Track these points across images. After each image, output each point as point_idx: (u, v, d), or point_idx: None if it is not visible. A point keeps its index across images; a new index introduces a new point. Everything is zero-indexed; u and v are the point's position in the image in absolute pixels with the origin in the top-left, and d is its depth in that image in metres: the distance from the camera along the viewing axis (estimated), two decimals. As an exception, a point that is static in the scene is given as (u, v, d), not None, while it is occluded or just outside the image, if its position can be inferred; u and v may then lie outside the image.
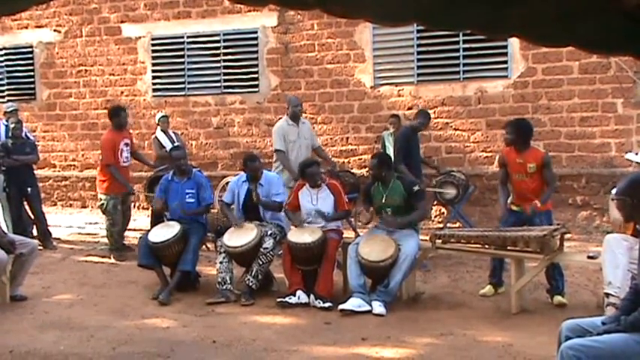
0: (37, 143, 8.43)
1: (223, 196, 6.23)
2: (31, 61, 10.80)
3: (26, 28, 10.78)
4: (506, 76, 8.57)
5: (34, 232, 7.78)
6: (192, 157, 8.71)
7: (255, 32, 9.59)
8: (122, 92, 10.34)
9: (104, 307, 5.33)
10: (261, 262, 5.39)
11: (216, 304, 5.27)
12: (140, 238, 5.96)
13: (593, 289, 5.44)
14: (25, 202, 7.78)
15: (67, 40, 10.57)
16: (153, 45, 10.12)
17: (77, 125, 10.66)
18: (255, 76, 9.65)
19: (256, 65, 9.62)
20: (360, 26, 9.01)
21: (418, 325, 4.71)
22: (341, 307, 4.95)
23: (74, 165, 10.71)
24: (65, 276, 6.38)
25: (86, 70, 10.52)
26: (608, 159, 8.20)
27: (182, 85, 10.07)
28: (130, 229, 7.58)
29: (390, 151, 7.41)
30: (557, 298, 5.08)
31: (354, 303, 4.95)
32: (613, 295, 4.14)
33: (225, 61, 9.77)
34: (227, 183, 6.92)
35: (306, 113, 7.56)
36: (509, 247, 4.96)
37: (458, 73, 8.74)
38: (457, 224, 7.79)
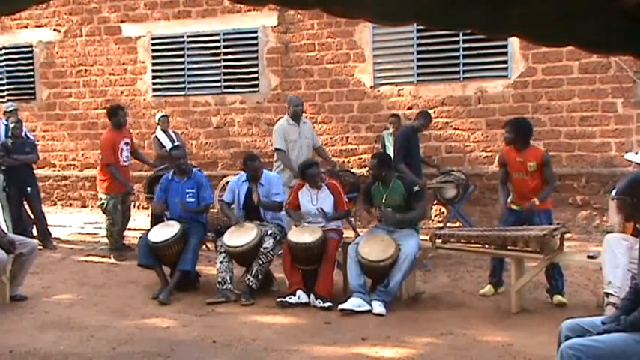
0: (37, 143, 8.43)
1: (223, 195, 6.24)
2: (30, 61, 10.80)
3: (26, 27, 10.78)
4: (506, 76, 8.57)
5: (34, 231, 7.78)
6: (192, 157, 8.72)
7: (255, 32, 9.59)
8: (122, 92, 10.34)
9: (104, 306, 5.33)
10: (261, 262, 5.40)
11: (216, 304, 5.27)
12: (140, 237, 5.96)
13: (592, 288, 5.44)
14: (25, 202, 7.78)
15: (66, 40, 10.57)
16: (153, 45, 10.12)
17: (77, 125, 10.66)
18: (255, 75, 9.65)
19: (256, 65, 9.62)
20: (360, 26, 9.01)
21: (418, 324, 4.71)
22: (341, 306, 4.95)
23: (74, 165, 10.71)
24: (65, 276, 6.38)
25: (86, 70, 10.52)
26: (608, 159, 8.20)
27: (182, 85, 10.07)
28: (129, 229, 7.58)
29: (390, 150, 7.41)
30: (557, 298, 5.09)
31: (354, 303, 4.95)
32: (613, 295, 4.14)
33: (225, 60, 9.77)
34: (227, 183, 6.92)
35: (306, 113, 7.56)
36: (509, 247, 4.96)
37: (458, 72, 8.74)
38: (457, 224, 7.79)
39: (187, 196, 5.90)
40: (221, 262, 5.46)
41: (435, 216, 8.72)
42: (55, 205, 10.68)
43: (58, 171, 10.78)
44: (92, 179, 9.44)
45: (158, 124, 8.44)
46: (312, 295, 5.19)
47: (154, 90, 10.18)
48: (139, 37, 10.19)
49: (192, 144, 9.85)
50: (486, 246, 5.14)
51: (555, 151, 8.25)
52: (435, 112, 8.60)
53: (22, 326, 4.81)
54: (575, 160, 8.35)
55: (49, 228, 7.90)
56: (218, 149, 9.93)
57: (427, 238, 5.44)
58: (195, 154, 9.74)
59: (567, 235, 5.28)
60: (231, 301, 5.33)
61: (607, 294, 4.22)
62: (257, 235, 5.42)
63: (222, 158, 9.91)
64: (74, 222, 9.42)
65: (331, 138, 9.28)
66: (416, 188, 5.35)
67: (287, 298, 5.20)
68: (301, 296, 5.20)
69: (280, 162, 7.00)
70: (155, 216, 6.78)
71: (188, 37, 9.92)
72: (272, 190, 5.78)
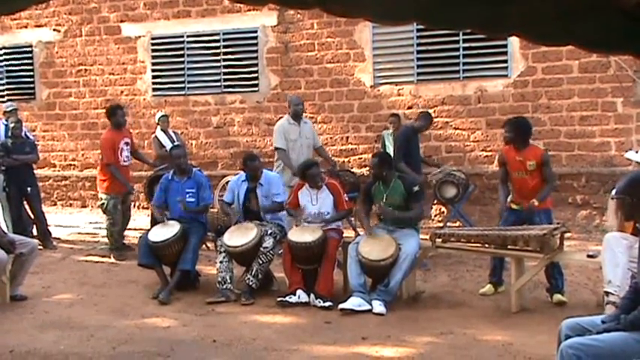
0: (36, 143, 8.43)
1: (224, 195, 6.24)
2: (30, 61, 10.80)
3: (26, 27, 10.78)
4: (506, 75, 8.57)
5: (34, 231, 7.78)
6: (192, 157, 8.71)
7: (255, 31, 9.59)
8: (122, 92, 10.34)
9: (104, 306, 5.33)
10: (261, 262, 5.40)
11: (217, 304, 5.27)
12: (140, 237, 5.96)
13: (592, 287, 5.44)
14: (25, 202, 7.78)
15: (66, 40, 10.57)
16: (153, 44, 10.12)
17: (77, 125, 10.66)
18: (255, 75, 9.65)
19: (256, 64, 9.62)
20: (360, 25, 9.01)
21: (418, 324, 4.71)
22: (341, 306, 4.96)
23: (74, 165, 10.71)
24: (65, 276, 6.38)
25: (86, 70, 10.52)
26: (607, 158, 8.20)
27: (182, 85, 10.07)
28: (129, 229, 7.58)
29: (391, 150, 7.41)
30: (557, 297, 5.09)
31: (354, 302, 4.95)
32: (613, 294, 4.14)
33: (225, 60, 9.77)
34: (227, 182, 6.92)
35: (306, 112, 7.56)
36: (509, 246, 4.96)
37: (458, 72, 8.74)
38: (457, 223, 7.79)
39: (187, 195, 5.90)
40: (221, 262, 5.46)
41: (435, 215, 8.72)
42: (55, 205, 10.68)
43: (58, 171, 10.78)
44: (92, 179, 9.44)
45: (158, 123, 8.44)
46: (312, 295, 5.19)
47: (154, 90, 10.18)
48: (139, 36, 10.19)
49: (192, 144, 9.84)
50: (486, 245, 5.14)
51: (555, 150, 8.25)
52: (434, 111, 8.60)
53: (22, 326, 4.82)
54: (575, 160, 8.35)
55: (49, 228, 7.90)
56: (218, 149, 9.93)
57: (427, 237, 5.44)
58: (195, 153, 9.74)
59: (567, 235, 5.28)
60: (232, 300, 5.33)
61: (607, 293, 4.22)
62: (257, 235, 5.42)
63: (222, 158, 9.91)
64: (74, 222, 9.42)
65: (331, 138, 9.28)
66: (415, 188, 5.35)
67: (287, 298, 5.20)
68: (301, 296, 5.20)
69: (280, 161, 7.00)
70: (155, 216, 6.78)
71: (188, 36, 9.92)
72: (272, 190, 5.78)
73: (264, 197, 5.76)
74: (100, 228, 8.38)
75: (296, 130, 7.02)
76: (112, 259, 7.00)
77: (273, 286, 5.73)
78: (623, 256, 4.21)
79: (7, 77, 10.91)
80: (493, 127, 8.48)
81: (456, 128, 8.80)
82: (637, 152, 5.79)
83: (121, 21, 10.25)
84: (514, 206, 5.27)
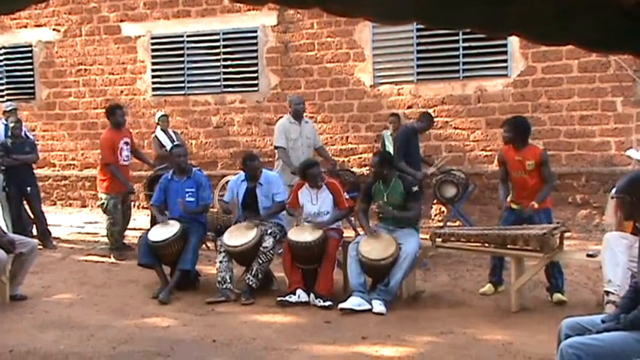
0: (36, 142, 8.43)
1: (224, 196, 6.24)
2: (30, 61, 10.80)
3: (25, 27, 10.78)
4: (505, 75, 8.57)
5: (34, 231, 7.78)
6: (192, 156, 8.71)
7: (255, 31, 9.59)
8: (122, 91, 10.34)
9: (104, 306, 5.33)
10: (261, 261, 5.39)
11: (216, 303, 5.27)
12: (140, 237, 5.96)
13: (592, 287, 5.45)
14: (25, 202, 7.78)
15: (66, 40, 10.57)
16: (152, 44, 10.12)
17: (77, 124, 10.66)
18: (255, 75, 9.65)
19: (256, 64, 9.62)
20: (360, 25, 9.01)
21: (418, 323, 4.71)
22: (341, 305, 4.96)
23: (74, 164, 10.71)
24: (65, 275, 6.38)
25: (86, 70, 10.52)
26: (607, 157, 8.20)
27: (182, 84, 10.07)
28: (129, 229, 7.58)
29: (390, 150, 7.41)
30: (557, 297, 5.09)
31: (354, 302, 4.95)
32: (613, 293, 4.14)
33: (224, 60, 9.77)
34: (227, 182, 6.92)
35: (306, 112, 7.56)
36: (509, 246, 4.96)
37: (458, 71, 8.74)
38: (457, 223, 7.79)
39: (187, 195, 5.90)
40: (221, 262, 5.46)
41: (435, 215, 8.73)
42: (55, 204, 10.68)
43: (58, 171, 10.79)
44: (92, 179, 9.44)
45: (158, 123, 8.44)
46: (312, 295, 5.19)
47: (154, 89, 10.18)
48: (139, 36, 10.19)
49: (192, 143, 9.84)
50: (486, 245, 5.14)
51: (555, 150, 8.25)
52: (434, 111, 8.60)
53: (22, 326, 4.81)
54: (574, 159, 8.35)
55: (49, 227, 7.90)
56: (218, 149, 9.93)
57: (427, 237, 5.44)
58: (195, 153, 9.74)
59: (567, 234, 5.29)
60: (231, 300, 5.33)
61: (607, 292, 4.23)
62: (257, 235, 5.42)
63: (221, 158, 9.91)
64: (74, 221, 9.42)
65: (331, 137, 9.28)
66: (415, 188, 5.36)
67: (287, 298, 5.20)
68: (301, 295, 5.20)
69: (281, 161, 7.01)
70: (155, 216, 6.78)
71: (188, 36, 9.92)
72: (272, 190, 5.77)
73: (264, 197, 5.76)
74: (100, 228, 8.38)
75: (297, 129, 7.02)
76: (112, 259, 7.00)
77: (273, 286, 5.73)
78: (623, 255, 4.22)
79: (7, 77, 10.91)
80: (493, 126, 8.48)
81: (455, 128, 8.80)
82: (638, 150, 5.79)
83: (121, 21, 10.26)
84: (514, 206, 5.27)
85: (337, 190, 5.65)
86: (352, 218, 7.00)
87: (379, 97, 9.11)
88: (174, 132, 8.57)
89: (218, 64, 9.82)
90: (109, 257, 7.07)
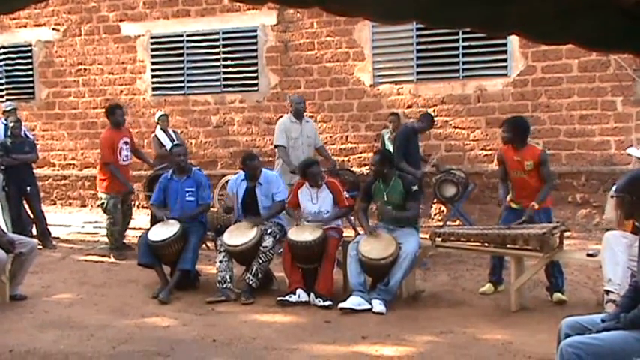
0: (36, 142, 8.43)
1: (224, 196, 6.24)
2: (30, 60, 10.80)
3: (25, 26, 10.78)
4: (505, 74, 8.57)
5: (34, 231, 7.78)
6: (191, 156, 8.70)
7: (255, 31, 9.59)
8: (121, 91, 10.33)
9: (104, 306, 5.33)
10: (261, 261, 5.39)
11: (216, 303, 5.27)
12: (140, 236, 5.96)
13: (592, 286, 5.45)
14: (25, 202, 7.78)
15: (66, 39, 10.57)
16: (152, 44, 10.12)
17: (76, 124, 10.66)
18: (255, 74, 9.65)
19: (256, 64, 9.62)
20: (360, 24, 9.01)
21: (418, 323, 4.71)
22: (341, 305, 4.96)
23: (73, 164, 10.71)
24: (65, 275, 6.38)
25: (85, 69, 10.52)
26: (607, 157, 8.20)
27: (181, 84, 10.06)
28: (129, 228, 7.57)
29: (390, 149, 7.41)
30: (557, 296, 5.09)
31: (354, 301, 4.95)
32: (613, 292, 4.15)
33: (224, 59, 9.77)
34: (227, 182, 6.92)
35: (305, 112, 7.57)
36: (508, 245, 4.96)
37: (457, 71, 8.74)
38: (457, 222, 7.79)
39: (187, 195, 5.90)
40: (221, 261, 5.46)
41: (435, 214, 8.73)
42: (55, 204, 10.68)
43: (58, 170, 10.78)
44: (92, 178, 9.45)
45: (158, 123, 8.44)
46: (312, 294, 5.19)
47: (154, 89, 10.18)
48: (138, 36, 10.19)
49: (191, 143, 9.84)
50: (486, 244, 5.14)
51: (555, 149, 8.25)
52: (434, 110, 8.60)
53: (21, 325, 4.81)
54: (574, 159, 8.35)
55: (49, 227, 7.90)
56: (217, 148, 9.93)
57: (427, 236, 5.45)
58: (195, 153, 9.74)
59: (567, 234, 5.29)
60: (231, 300, 5.33)
61: (607, 291, 4.23)
62: (257, 234, 5.42)
63: (221, 157, 9.91)
64: (74, 221, 9.42)
65: (331, 137, 9.28)
66: (414, 188, 5.36)
67: (287, 297, 5.20)
68: (301, 295, 5.20)
69: (280, 160, 7.00)
70: (155, 216, 6.78)
71: (187, 36, 9.92)
72: (272, 190, 5.77)
73: (264, 197, 5.76)
74: (99, 227, 8.38)
75: (297, 128, 7.02)
76: (112, 259, 7.00)
77: (273, 285, 5.73)
78: (622, 254, 4.22)
79: (7, 77, 10.91)
80: (493, 126, 8.48)
81: (455, 127, 8.80)
82: (638, 149, 5.79)
83: (121, 20, 10.25)
84: (514, 205, 5.27)
85: (337, 189, 5.65)
86: (352, 218, 7.00)
87: (379, 97, 9.11)
88: (174, 131, 8.57)
89: (218, 63, 9.82)
90: (109, 257, 7.07)
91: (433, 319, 4.78)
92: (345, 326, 4.65)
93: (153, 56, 10.12)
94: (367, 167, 8.22)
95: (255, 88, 9.68)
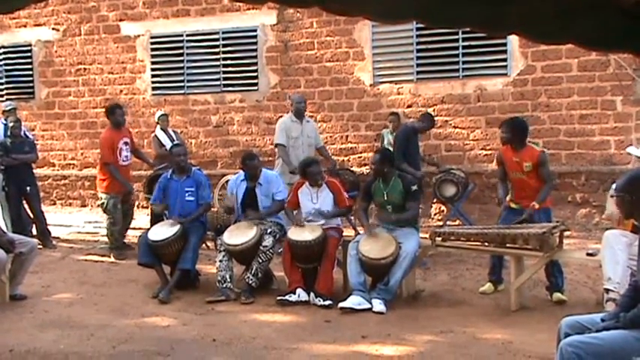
0: (36, 142, 8.43)
1: (224, 195, 6.24)
2: (29, 60, 10.79)
3: (25, 26, 10.77)
4: (505, 74, 8.57)
5: (34, 231, 7.78)
6: (191, 156, 8.71)
7: (255, 30, 9.59)
8: (121, 91, 10.33)
9: (104, 305, 5.33)
10: (260, 260, 5.39)
11: (216, 303, 5.27)
12: (140, 236, 5.96)
13: (592, 286, 5.45)
14: (25, 201, 7.78)
15: (65, 39, 10.57)
16: (152, 43, 10.12)
17: (76, 124, 10.66)
18: (255, 74, 9.65)
19: (255, 63, 9.62)
20: (360, 24, 9.01)
21: (418, 322, 4.72)
22: (341, 305, 4.96)
23: (73, 164, 10.71)
24: (65, 275, 6.38)
25: (85, 69, 10.51)
26: (607, 156, 8.20)
27: (181, 84, 10.06)
28: (129, 228, 7.57)
29: (390, 148, 7.40)
30: (557, 296, 5.09)
31: (354, 301, 4.95)
32: (613, 291, 4.15)
33: (224, 59, 9.77)
34: (227, 181, 6.93)
35: (306, 111, 7.56)
36: (508, 245, 4.96)
37: (457, 70, 8.74)
38: (457, 222, 7.79)
39: (186, 194, 5.90)
40: (221, 261, 5.46)
41: (435, 214, 8.73)
42: (55, 204, 10.68)
43: (58, 170, 10.78)
44: (91, 178, 9.45)
45: (157, 122, 8.44)
46: (312, 294, 5.19)
47: (153, 89, 10.18)
48: (138, 35, 10.19)
49: (191, 143, 9.84)
50: (486, 244, 5.14)
51: (555, 149, 8.26)
52: (434, 110, 8.60)
53: (21, 325, 4.81)
54: (574, 158, 8.35)
55: (49, 227, 7.90)
56: (217, 148, 9.93)
57: (427, 236, 5.45)
58: (195, 152, 9.74)
59: (567, 233, 5.29)
60: (231, 299, 5.33)
61: (607, 290, 4.24)
62: (256, 234, 5.42)
63: (221, 157, 9.91)
64: (74, 221, 9.41)
65: (331, 136, 9.28)
66: (414, 187, 5.36)
67: (287, 297, 5.20)
68: (301, 295, 5.20)
69: (281, 159, 7.00)
70: (155, 215, 6.78)
71: (187, 35, 9.92)
72: (272, 189, 5.77)
73: (264, 196, 5.76)
74: (99, 227, 8.38)
75: (298, 128, 7.02)
76: (112, 259, 7.00)
77: (273, 285, 5.73)
78: (622, 253, 4.23)
79: (6, 76, 10.91)
80: (493, 125, 8.47)
81: (455, 127, 8.80)
82: (638, 148, 5.79)
83: (120, 20, 10.25)
84: (513, 205, 5.28)
85: (337, 189, 5.65)
86: (352, 217, 7.01)
87: (379, 96, 9.11)
88: (173, 131, 8.57)
89: (218, 63, 9.82)
90: (109, 257, 7.07)
91: (433, 318, 4.78)
92: (345, 326, 4.65)
93: (153, 56, 10.12)
94: (367, 167, 8.22)
95: (255, 88, 9.68)
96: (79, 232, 8.70)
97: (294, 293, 5.21)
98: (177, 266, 5.62)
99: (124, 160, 7.15)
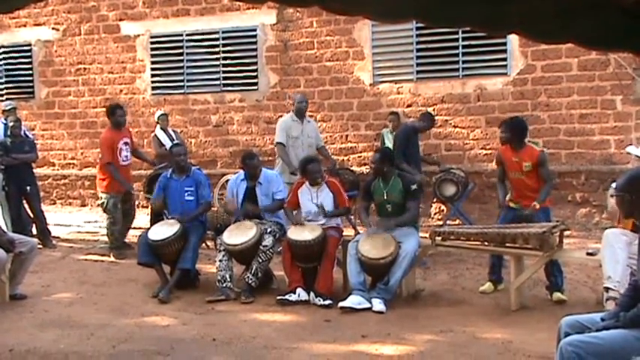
0: (35, 142, 8.42)
1: (224, 195, 6.24)
2: (29, 60, 10.79)
3: (24, 26, 10.77)
4: (505, 74, 8.57)
5: (34, 230, 7.78)
6: (191, 155, 8.71)
7: (254, 30, 9.59)
8: (121, 90, 10.33)
9: (104, 305, 5.33)
10: (260, 260, 5.40)
11: (216, 302, 5.27)
12: (140, 236, 5.96)
13: (592, 285, 5.45)
14: (25, 201, 7.78)
15: (65, 39, 10.56)
16: (152, 43, 10.12)
17: (76, 124, 10.65)
18: (255, 74, 9.65)
19: (255, 63, 9.62)
20: (359, 23, 9.01)
21: (418, 322, 4.72)
22: (341, 304, 4.96)
23: (73, 163, 10.71)
24: (65, 274, 6.38)
25: (85, 69, 10.51)
26: (607, 156, 8.20)
27: (181, 83, 10.06)
28: (131, 228, 7.56)
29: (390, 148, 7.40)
30: (557, 295, 5.09)
31: (353, 300, 4.96)
32: (613, 289, 4.15)
33: (224, 59, 9.77)
34: (227, 181, 6.92)
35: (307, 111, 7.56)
36: (508, 244, 4.96)
37: (457, 70, 8.74)
38: (457, 221, 7.79)
39: (186, 194, 5.90)
40: (221, 261, 5.46)
41: (435, 214, 8.73)
42: (55, 204, 10.68)
43: (57, 170, 10.78)
44: (91, 178, 9.44)
45: (157, 122, 8.44)
46: (311, 293, 5.19)
47: (153, 88, 10.17)
48: (138, 35, 10.18)
49: (191, 142, 9.84)
50: (486, 243, 5.14)
51: (554, 148, 8.26)
52: (434, 109, 8.60)
53: (21, 325, 4.81)
54: (574, 158, 8.35)
55: (49, 227, 7.90)
56: (217, 147, 9.93)
57: (427, 235, 5.45)
58: (195, 152, 9.74)
59: (567, 233, 5.29)
60: (231, 299, 5.33)
61: (607, 289, 4.23)
62: (256, 234, 5.42)
63: (221, 157, 9.91)
64: (73, 221, 9.42)
65: (330, 136, 9.27)
66: (413, 187, 5.36)
67: (287, 296, 5.20)
68: (301, 294, 5.20)
69: (280, 158, 7.00)
70: (155, 214, 6.78)
71: (187, 35, 9.91)
72: (272, 189, 5.77)
73: (264, 196, 5.76)
74: (99, 227, 8.38)
75: (298, 127, 7.02)
76: (112, 258, 7.00)
77: (273, 285, 5.73)
78: (622, 252, 4.23)
79: (6, 76, 10.91)
80: (492, 125, 8.47)
81: (455, 126, 8.80)
82: (637, 147, 5.79)
83: (120, 19, 10.25)
84: (512, 205, 5.28)
85: (337, 189, 5.65)
86: (352, 217, 7.01)
87: (379, 96, 9.11)
88: (173, 131, 8.57)
89: (217, 62, 9.82)
90: (109, 256, 7.06)
91: (433, 318, 4.78)
92: (345, 325, 4.65)
93: (152, 55, 10.12)
94: (367, 166, 8.22)
95: (255, 88, 9.68)
96: (78, 232, 8.70)
97: (294, 293, 5.21)
98: (177, 266, 5.61)
99: (124, 160, 7.15)
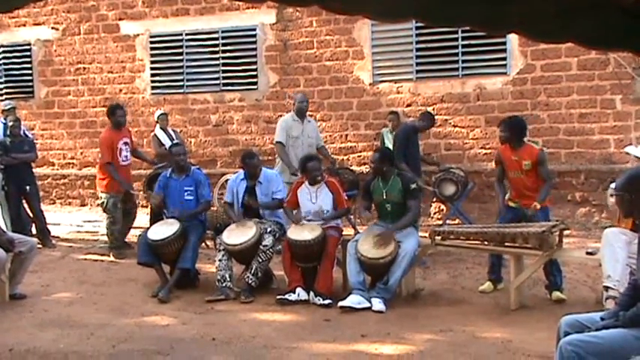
0: (35, 141, 8.42)
1: (224, 195, 6.24)
2: (29, 59, 10.79)
3: (24, 25, 10.77)
4: (505, 73, 8.57)
5: (33, 230, 7.78)
6: (191, 155, 8.71)
7: (254, 29, 9.58)
8: (121, 90, 10.33)
9: (104, 305, 5.33)
10: (260, 260, 5.40)
11: (216, 302, 5.27)
12: (140, 235, 5.95)
13: (592, 285, 5.45)
14: (24, 201, 7.78)
15: (65, 38, 10.56)
16: (151, 42, 10.11)
17: (76, 123, 10.65)
18: (254, 73, 9.65)
19: (255, 63, 9.62)
20: (359, 23, 9.01)
21: (418, 321, 4.72)
22: (340, 304, 4.96)
23: (73, 163, 10.71)
24: (64, 274, 6.38)
25: (84, 68, 10.51)
26: (606, 155, 8.21)
27: (181, 83, 10.06)
28: (132, 227, 7.56)
29: (390, 147, 7.40)
30: (556, 294, 5.09)
31: (353, 300, 4.96)
32: (612, 288, 4.15)
33: (223, 58, 9.77)
34: (226, 181, 6.92)
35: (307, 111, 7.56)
36: (508, 244, 4.97)
37: (457, 69, 8.74)
38: (456, 221, 7.79)
39: (186, 193, 5.90)
40: (220, 260, 5.46)
41: (435, 213, 8.73)
42: (54, 203, 10.68)
43: (57, 169, 10.78)
44: (91, 178, 9.44)
45: (157, 122, 8.43)
46: (311, 293, 5.19)
47: (153, 88, 10.17)
48: (138, 34, 10.18)
49: (191, 142, 9.84)
50: (485, 243, 5.14)
51: (554, 147, 8.26)
52: (434, 109, 8.61)
53: (21, 325, 4.81)
54: (574, 157, 8.35)
55: (48, 226, 7.89)
56: (217, 147, 9.93)
57: (426, 235, 5.45)
58: (194, 152, 9.74)
59: (566, 232, 5.29)
60: (231, 298, 5.33)
61: (606, 287, 4.23)
62: (256, 233, 5.42)
63: (221, 156, 9.91)
64: (73, 220, 9.41)
65: (330, 135, 9.27)
66: (413, 186, 5.35)
67: (286, 296, 5.20)
68: (301, 294, 5.20)
69: (279, 157, 7.00)
70: (154, 214, 6.78)
71: (186, 34, 9.91)
72: (272, 188, 5.77)
73: (264, 196, 5.76)
74: (99, 226, 8.38)
75: (299, 127, 7.02)
76: (112, 258, 7.00)
77: (273, 284, 5.73)
78: (622, 251, 4.23)
79: (6, 75, 10.90)
80: (492, 124, 8.47)
81: (455, 126, 8.80)
82: (637, 147, 5.80)
83: (120, 19, 10.24)
84: (512, 204, 5.28)
85: (337, 189, 5.65)
86: (352, 216, 7.01)
87: (378, 95, 9.11)
88: (173, 130, 8.57)
89: (217, 62, 9.82)
90: (109, 256, 7.06)
91: (433, 317, 4.78)
92: (344, 325, 4.65)
93: (152, 55, 10.11)
94: (366, 166, 8.22)
95: (255, 87, 9.68)
96: (78, 232, 8.70)
97: (294, 292, 5.21)
98: (177, 265, 5.61)
99: (123, 160, 7.15)
